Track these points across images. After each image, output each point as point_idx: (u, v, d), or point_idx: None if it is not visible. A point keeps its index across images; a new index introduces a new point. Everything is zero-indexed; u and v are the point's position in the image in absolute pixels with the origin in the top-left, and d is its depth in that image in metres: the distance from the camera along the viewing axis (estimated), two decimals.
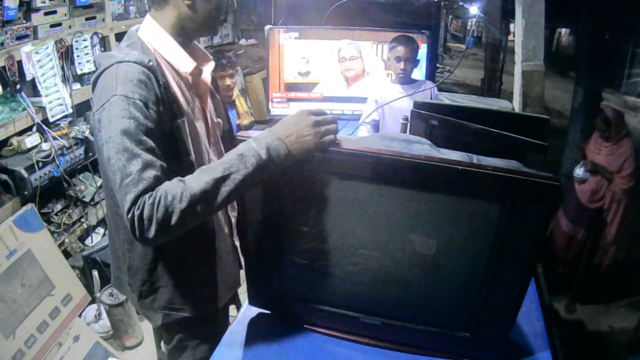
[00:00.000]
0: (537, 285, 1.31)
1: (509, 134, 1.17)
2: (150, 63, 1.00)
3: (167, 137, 1.00)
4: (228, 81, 2.61)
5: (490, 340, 1.02)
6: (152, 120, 0.95)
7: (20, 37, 2.13)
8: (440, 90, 2.28)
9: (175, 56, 1.09)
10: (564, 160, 4.65)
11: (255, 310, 1.19)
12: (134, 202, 0.86)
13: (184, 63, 1.10)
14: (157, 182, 0.89)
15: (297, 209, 1.01)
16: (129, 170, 0.88)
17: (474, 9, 3.84)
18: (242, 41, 4.66)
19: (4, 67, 2.05)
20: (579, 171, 3.20)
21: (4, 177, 2.09)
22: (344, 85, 2.89)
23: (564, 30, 12.97)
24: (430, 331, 1.05)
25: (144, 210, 0.85)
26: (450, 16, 15.97)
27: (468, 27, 15.53)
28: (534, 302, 1.24)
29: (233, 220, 1.31)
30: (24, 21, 2.16)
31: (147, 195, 0.86)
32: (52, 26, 2.30)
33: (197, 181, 0.87)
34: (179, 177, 0.89)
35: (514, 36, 2.16)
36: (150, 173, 0.89)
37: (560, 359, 1.12)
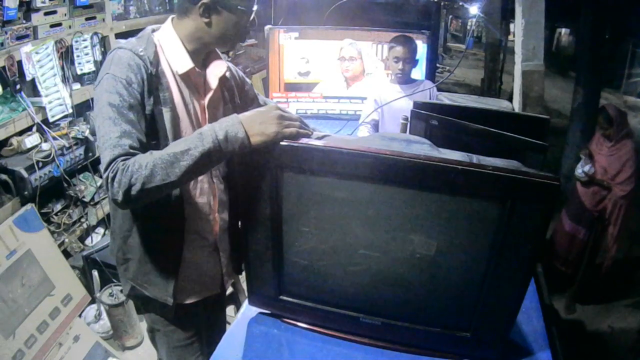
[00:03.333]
0: (537, 285, 1.31)
1: (509, 134, 1.17)
2: (142, 52, 1.09)
3: (149, 119, 1.09)
4: None
5: (490, 340, 1.02)
6: (134, 98, 1.05)
7: (20, 37, 2.13)
8: (440, 90, 2.28)
9: (174, 55, 1.16)
10: (564, 160, 4.65)
11: (255, 310, 1.19)
12: (109, 165, 0.96)
13: (180, 63, 1.15)
14: (132, 150, 0.99)
15: (297, 209, 1.01)
16: (109, 136, 0.99)
17: (474, 9, 3.84)
18: None
19: (4, 67, 2.05)
20: (580, 170, 3.20)
21: (4, 177, 2.09)
22: (344, 85, 2.89)
23: (564, 30, 12.97)
24: (430, 331, 1.05)
25: (116, 174, 0.95)
26: (450, 16, 15.96)
27: (468, 27, 15.53)
28: (534, 302, 1.24)
29: (220, 222, 1.29)
30: (24, 21, 2.16)
31: (120, 161, 0.96)
32: (52, 26, 2.30)
33: (161, 154, 0.96)
34: (151, 150, 1.00)
35: (514, 36, 2.16)
36: (126, 141, 0.99)
37: (560, 359, 1.12)
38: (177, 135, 1.15)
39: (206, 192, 1.24)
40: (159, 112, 1.11)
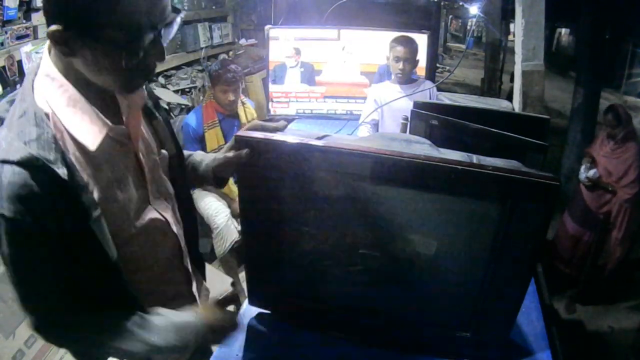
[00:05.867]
0: (537, 285, 1.31)
1: (509, 134, 1.17)
2: (40, 163, 0.74)
3: (77, 241, 0.80)
4: (231, 96, 2.56)
5: (490, 340, 1.02)
6: (47, 237, 0.77)
7: (20, 37, 2.13)
8: (440, 90, 2.28)
9: (78, 127, 0.81)
10: (564, 160, 4.65)
11: (255, 310, 1.19)
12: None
13: (89, 137, 0.82)
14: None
15: (297, 209, 1.01)
16: (36, 294, 0.80)
17: (474, 9, 3.84)
18: (242, 41, 4.66)
19: (4, 67, 2.05)
20: (584, 175, 3.16)
21: None
22: (344, 85, 2.89)
23: (564, 30, 12.98)
24: (430, 331, 1.05)
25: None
26: (450, 16, 15.98)
27: (468, 27, 15.54)
28: (534, 302, 1.24)
29: (182, 241, 1.06)
30: (24, 21, 2.16)
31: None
32: None
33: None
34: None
35: (514, 36, 2.16)
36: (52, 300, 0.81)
37: (560, 359, 1.12)
38: (122, 229, 0.89)
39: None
40: (90, 227, 0.80)
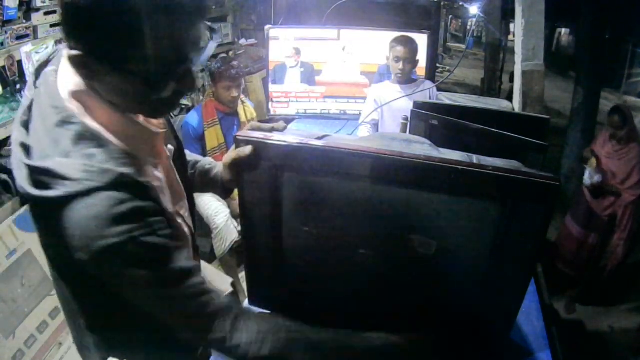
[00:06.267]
0: (537, 285, 1.31)
1: (509, 134, 1.17)
2: (129, 179, 0.70)
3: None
4: (234, 92, 2.58)
5: (490, 340, 1.02)
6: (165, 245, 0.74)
7: (20, 37, 2.13)
8: (440, 90, 2.28)
9: (130, 140, 0.77)
10: (564, 160, 4.65)
11: (255, 310, 1.19)
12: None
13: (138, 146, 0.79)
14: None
15: (297, 209, 1.01)
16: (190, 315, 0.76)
17: (474, 9, 3.84)
18: (242, 41, 4.66)
19: (4, 67, 2.05)
20: (589, 181, 3.12)
21: (4, 177, 2.09)
22: (344, 85, 2.89)
23: (564, 30, 12.98)
24: (430, 331, 1.05)
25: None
26: (450, 16, 15.98)
27: (468, 27, 15.53)
28: (534, 302, 1.24)
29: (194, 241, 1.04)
30: (24, 21, 2.16)
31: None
32: (52, 26, 2.30)
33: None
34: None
35: (514, 36, 2.16)
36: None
37: (560, 359, 1.12)
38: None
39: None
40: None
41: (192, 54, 0.71)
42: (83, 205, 0.66)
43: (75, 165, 0.67)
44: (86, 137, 0.70)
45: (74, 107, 0.72)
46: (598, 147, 3.24)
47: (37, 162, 0.69)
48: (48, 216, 0.69)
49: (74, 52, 0.67)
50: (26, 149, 0.72)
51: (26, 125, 0.75)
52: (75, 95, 0.73)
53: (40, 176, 0.68)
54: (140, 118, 0.80)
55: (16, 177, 0.72)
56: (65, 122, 0.70)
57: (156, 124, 0.85)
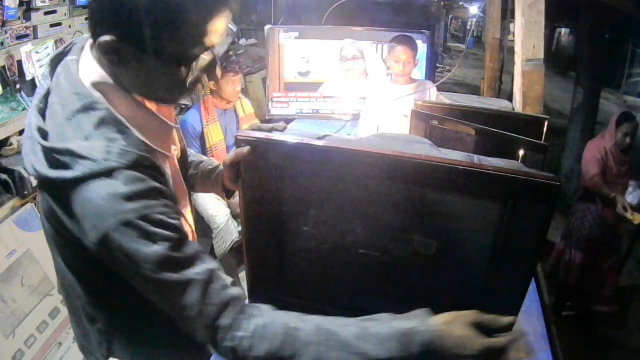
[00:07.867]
0: (537, 285, 1.31)
1: (509, 134, 1.17)
2: (149, 162, 0.74)
3: None
4: (238, 86, 2.62)
5: None
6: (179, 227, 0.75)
7: (20, 37, 2.13)
8: (440, 90, 2.29)
9: (149, 131, 0.80)
10: (564, 160, 4.66)
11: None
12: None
13: (157, 142, 0.82)
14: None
15: (297, 209, 1.01)
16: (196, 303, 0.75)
17: (474, 9, 3.84)
18: (242, 41, 4.66)
19: (4, 67, 2.05)
20: (636, 201, 2.93)
21: (4, 177, 2.09)
22: (348, 85, 2.89)
23: (564, 30, 12.97)
24: None
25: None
26: (450, 16, 15.97)
27: (468, 27, 15.53)
28: (534, 302, 1.24)
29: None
30: (24, 21, 2.16)
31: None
32: (52, 26, 2.30)
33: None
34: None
35: (514, 36, 2.15)
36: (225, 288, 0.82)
37: (560, 359, 1.12)
38: None
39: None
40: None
41: (219, 41, 0.74)
42: (101, 184, 0.67)
43: (96, 147, 0.69)
44: (109, 122, 0.72)
45: (98, 95, 0.74)
46: (601, 155, 2.94)
47: (56, 144, 0.70)
48: (64, 196, 0.69)
49: (105, 38, 0.68)
50: (43, 134, 0.72)
51: (43, 112, 0.76)
52: (97, 86, 0.74)
53: (60, 157, 0.69)
54: (157, 108, 0.82)
55: (29, 163, 0.72)
56: (89, 108, 0.72)
57: (173, 120, 0.87)
